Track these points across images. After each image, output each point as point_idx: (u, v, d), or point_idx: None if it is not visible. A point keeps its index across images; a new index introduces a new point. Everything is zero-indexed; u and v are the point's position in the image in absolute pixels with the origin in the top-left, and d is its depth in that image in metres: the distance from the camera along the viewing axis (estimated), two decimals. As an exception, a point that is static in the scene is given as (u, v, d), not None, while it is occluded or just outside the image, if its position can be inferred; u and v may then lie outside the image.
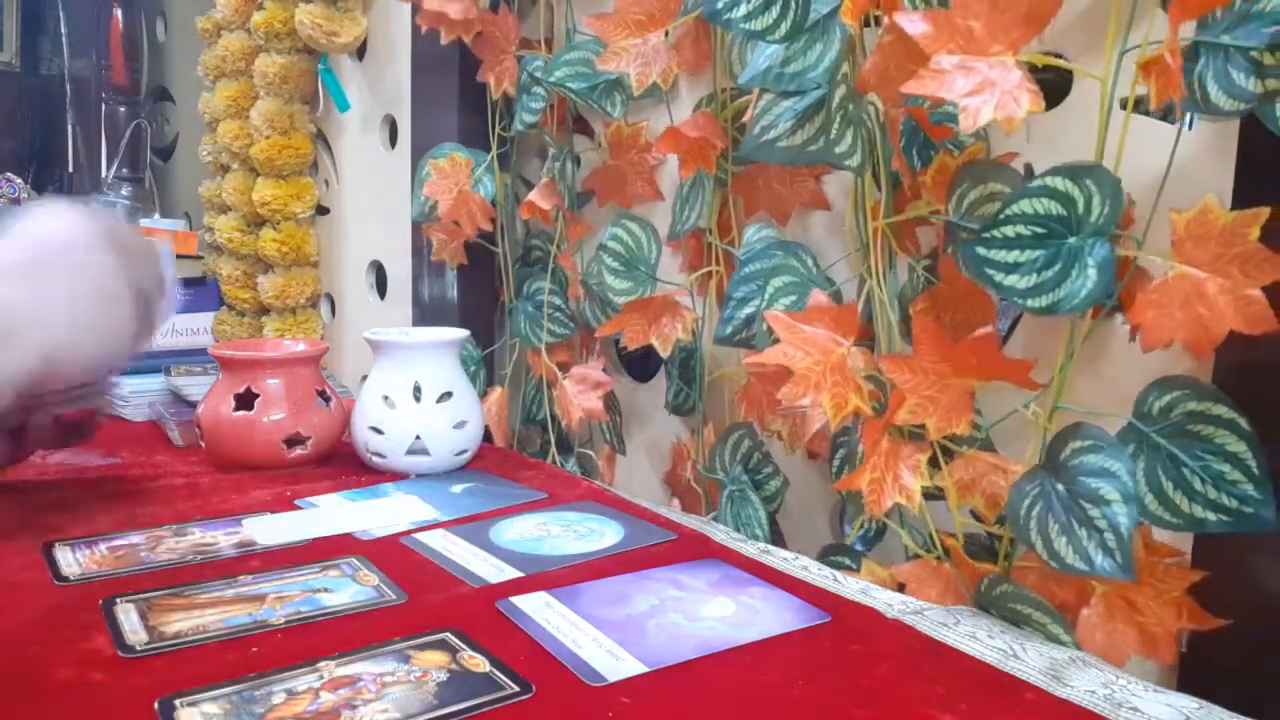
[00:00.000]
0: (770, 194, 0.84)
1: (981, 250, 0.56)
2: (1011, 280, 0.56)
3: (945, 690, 0.51)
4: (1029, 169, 0.66)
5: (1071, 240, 0.55)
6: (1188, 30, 0.53)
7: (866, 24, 0.68)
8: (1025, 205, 0.56)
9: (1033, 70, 0.54)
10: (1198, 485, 0.54)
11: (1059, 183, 0.55)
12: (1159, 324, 0.54)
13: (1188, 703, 0.50)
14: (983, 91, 0.53)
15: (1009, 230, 0.56)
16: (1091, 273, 0.55)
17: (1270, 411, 0.55)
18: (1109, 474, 0.55)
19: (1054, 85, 0.66)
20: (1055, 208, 0.55)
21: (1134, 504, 0.53)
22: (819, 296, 0.69)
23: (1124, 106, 0.57)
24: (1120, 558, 0.53)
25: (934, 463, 0.66)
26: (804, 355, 0.67)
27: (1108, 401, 0.60)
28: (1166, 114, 0.58)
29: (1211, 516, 0.54)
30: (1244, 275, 0.52)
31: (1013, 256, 0.56)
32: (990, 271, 0.56)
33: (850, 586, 0.66)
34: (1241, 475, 0.53)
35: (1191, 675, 0.60)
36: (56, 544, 0.70)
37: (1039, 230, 0.56)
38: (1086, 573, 0.54)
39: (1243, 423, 0.53)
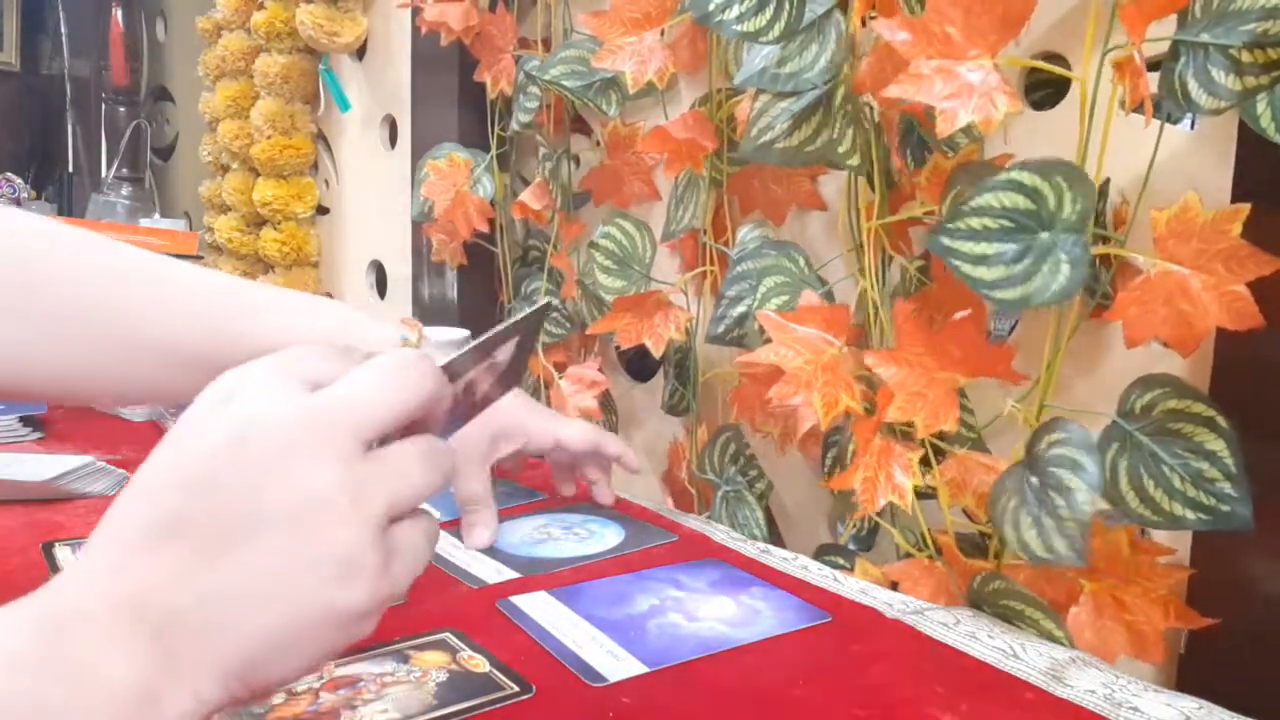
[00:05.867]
0: (766, 194, 0.84)
1: (946, 240, 0.57)
2: (980, 272, 0.56)
3: (945, 690, 0.51)
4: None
5: (1044, 235, 0.56)
6: (1170, 29, 0.53)
7: (863, 24, 0.68)
8: (990, 198, 0.56)
9: (1033, 72, 0.54)
10: (1177, 483, 0.54)
11: (1025, 177, 0.55)
12: (1142, 320, 0.55)
13: (1188, 703, 0.50)
14: (960, 94, 0.54)
15: (974, 222, 0.56)
16: (1065, 268, 0.55)
17: (1266, 409, 0.55)
18: (1076, 465, 0.55)
19: (1062, 85, 0.66)
20: (1023, 202, 0.55)
21: (1097, 493, 0.54)
22: (810, 296, 0.69)
23: (1123, 107, 0.57)
24: (1077, 543, 0.54)
25: (925, 462, 0.66)
26: (795, 355, 0.67)
27: (1105, 401, 0.60)
28: (1169, 114, 0.58)
29: (1190, 514, 0.54)
30: (1228, 271, 0.52)
31: (980, 249, 0.56)
32: (956, 262, 0.57)
33: (850, 586, 0.66)
34: (1219, 473, 0.53)
35: (1191, 675, 0.60)
36: (56, 544, 0.70)
37: (1007, 224, 0.56)
38: (1048, 560, 0.55)
39: (1221, 421, 0.53)
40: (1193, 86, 0.51)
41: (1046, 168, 0.55)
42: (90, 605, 0.29)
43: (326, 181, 1.54)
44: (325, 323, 0.59)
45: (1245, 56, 0.50)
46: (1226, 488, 0.53)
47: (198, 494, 0.31)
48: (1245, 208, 0.51)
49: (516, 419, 0.73)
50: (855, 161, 0.67)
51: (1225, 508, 0.53)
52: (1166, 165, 0.59)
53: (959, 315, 0.61)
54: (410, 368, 0.34)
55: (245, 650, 0.30)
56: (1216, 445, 0.53)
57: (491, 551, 0.70)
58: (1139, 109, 0.53)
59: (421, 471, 0.34)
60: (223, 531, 0.30)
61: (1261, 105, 0.51)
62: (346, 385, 0.33)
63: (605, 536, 0.75)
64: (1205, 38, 0.51)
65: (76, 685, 0.28)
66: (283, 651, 0.31)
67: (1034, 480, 0.57)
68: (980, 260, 0.56)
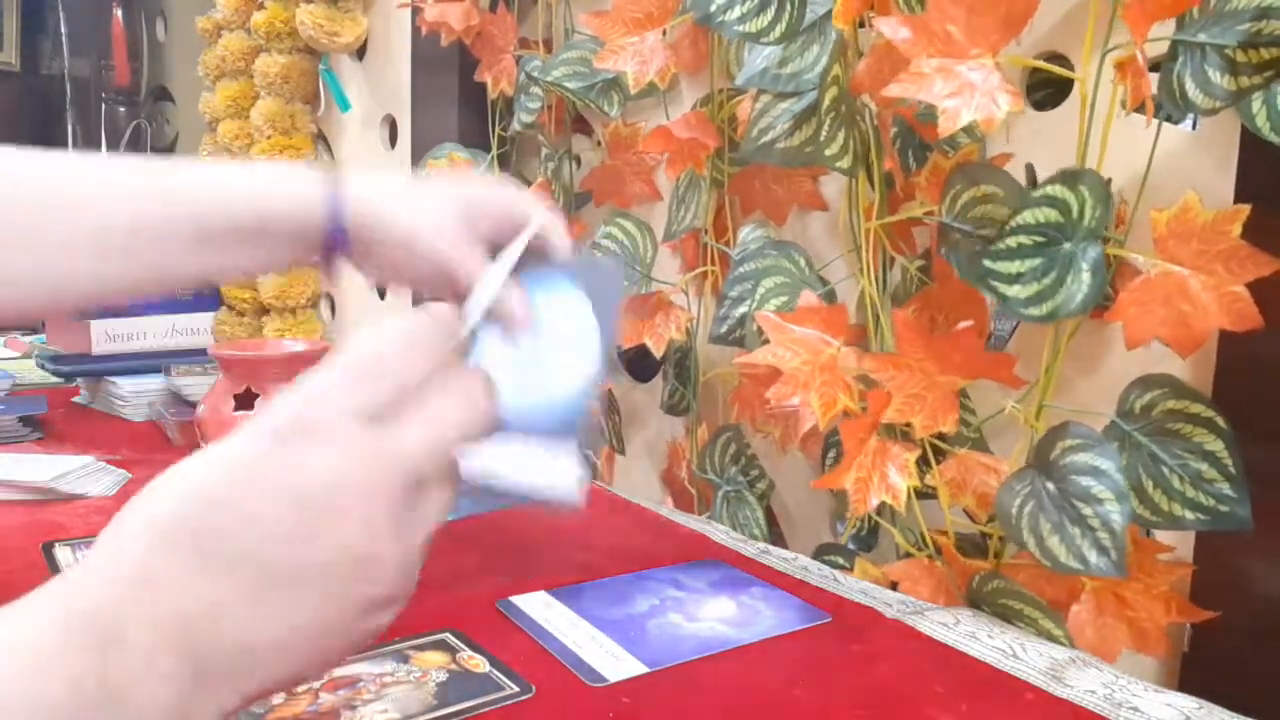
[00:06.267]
0: (767, 194, 0.84)
1: (989, 263, 0.57)
2: (1015, 291, 0.56)
3: (945, 690, 0.51)
4: (1030, 169, 0.66)
5: (1066, 245, 0.56)
6: (1169, 30, 0.53)
7: (861, 25, 0.68)
8: (1028, 215, 0.56)
9: (1036, 72, 0.54)
10: (1176, 483, 0.54)
11: (1057, 190, 0.55)
12: (1142, 321, 0.55)
13: (1188, 703, 0.50)
14: (961, 93, 0.54)
15: (1012, 241, 0.56)
16: (1085, 276, 0.55)
17: (1270, 409, 0.55)
18: (1099, 472, 0.55)
19: (1064, 85, 0.66)
20: (1054, 215, 0.55)
21: (1126, 502, 0.54)
22: (809, 297, 0.69)
23: (1124, 107, 0.57)
24: (1114, 555, 0.54)
25: (925, 462, 0.66)
26: (793, 355, 0.67)
27: (1107, 401, 0.60)
28: (1168, 114, 0.58)
29: (1189, 515, 0.54)
30: (1227, 272, 0.52)
31: (1014, 267, 0.56)
32: (995, 284, 0.57)
33: (850, 586, 0.66)
34: (1218, 474, 0.53)
35: (1191, 675, 0.60)
36: (56, 544, 0.70)
37: (1039, 239, 0.56)
38: (1081, 571, 0.55)
39: (1220, 421, 0.53)
40: (1190, 87, 0.52)
41: (1071, 177, 0.55)
42: (135, 628, 0.29)
43: (327, 181, 1.54)
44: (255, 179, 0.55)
45: (1240, 56, 0.50)
46: (1225, 488, 0.53)
47: (250, 532, 0.31)
48: (1245, 208, 0.51)
49: (487, 190, 0.59)
50: (846, 164, 0.67)
51: (1224, 508, 0.53)
52: (1169, 166, 0.59)
53: (961, 326, 0.61)
54: (480, 401, 0.35)
55: (276, 675, 0.31)
56: (1215, 446, 0.53)
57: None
58: (1140, 109, 0.53)
59: (451, 498, 0.35)
60: (272, 577, 0.30)
61: (1257, 105, 0.51)
62: (416, 434, 0.33)
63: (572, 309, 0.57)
64: (1202, 38, 0.51)
65: (119, 705, 0.28)
66: (308, 672, 0.32)
67: (1051, 487, 0.57)
68: (1015, 279, 0.56)
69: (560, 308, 0.58)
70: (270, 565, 0.30)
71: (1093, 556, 0.54)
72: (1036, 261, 0.56)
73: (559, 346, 0.58)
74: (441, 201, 0.56)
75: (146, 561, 0.30)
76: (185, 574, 0.30)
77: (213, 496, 0.31)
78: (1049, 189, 0.55)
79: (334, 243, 0.56)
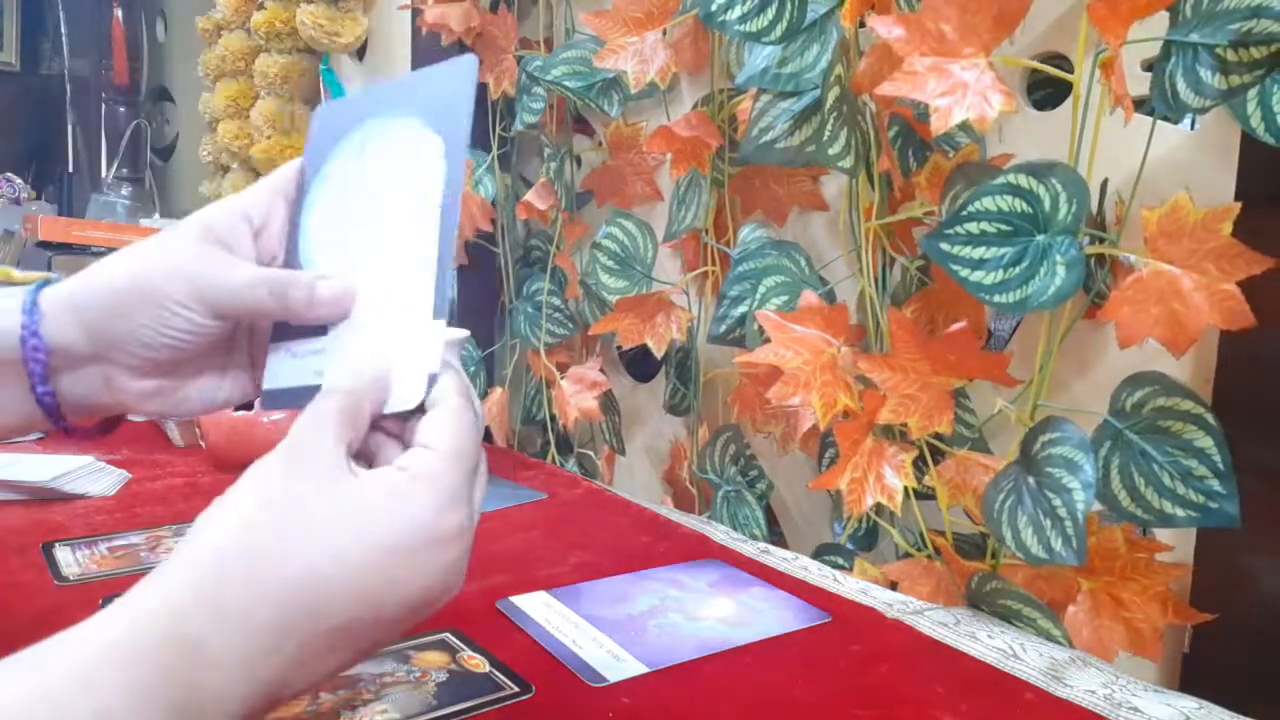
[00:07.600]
0: (767, 194, 0.84)
1: (944, 245, 0.56)
2: (978, 276, 0.56)
3: (945, 690, 0.51)
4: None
5: (1040, 238, 0.56)
6: (1161, 29, 0.54)
7: (862, 25, 0.68)
8: (989, 202, 0.56)
9: (1037, 72, 0.54)
10: (1167, 480, 0.55)
11: (1023, 180, 0.55)
12: (1135, 320, 0.55)
13: (1188, 703, 0.50)
14: (954, 92, 0.54)
15: (972, 226, 0.56)
16: (1060, 270, 0.55)
17: (1272, 407, 0.55)
18: (1073, 465, 0.55)
19: (1065, 86, 0.66)
20: (1021, 205, 0.55)
21: (1091, 491, 0.54)
22: (810, 297, 0.69)
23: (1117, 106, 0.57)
24: (1075, 543, 0.54)
25: (924, 462, 0.66)
26: (794, 355, 0.67)
27: (1103, 400, 0.60)
28: (1165, 114, 0.58)
29: (1180, 512, 0.54)
30: (1219, 271, 0.52)
31: (978, 253, 0.56)
32: (955, 267, 0.57)
33: (850, 586, 0.66)
34: (1207, 470, 0.53)
35: (1191, 675, 0.60)
36: (56, 544, 0.70)
37: (1004, 227, 0.56)
38: (1046, 560, 0.55)
39: (1209, 418, 0.53)
40: (1181, 86, 0.52)
41: (1041, 170, 0.55)
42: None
43: (327, 181, 1.54)
44: None
45: (1231, 55, 0.50)
46: (1215, 484, 0.53)
47: (356, 614, 0.33)
48: (1235, 207, 0.51)
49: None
50: (848, 163, 0.67)
51: (1214, 504, 0.53)
52: (1169, 166, 0.59)
53: (955, 327, 0.61)
54: (476, 422, 0.40)
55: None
56: (1205, 442, 0.53)
57: None
58: (1113, 109, 0.53)
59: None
60: (368, 634, 0.34)
61: (1251, 105, 0.51)
62: (471, 504, 0.38)
63: None
64: (1194, 38, 0.51)
65: None
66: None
67: (1031, 481, 0.57)
68: (978, 265, 0.56)
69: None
70: (372, 632, 0.34)
71: (1058, 545, 0.55)
72: (1004, 250, 0.56)
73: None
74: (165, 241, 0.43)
75: (257, 645, 0.32)
76: (289, 668, 0.32)
77: (333, 604, 0.33)
78: (1012, 177, 0.55)
79: (37, 362, 0.42)
